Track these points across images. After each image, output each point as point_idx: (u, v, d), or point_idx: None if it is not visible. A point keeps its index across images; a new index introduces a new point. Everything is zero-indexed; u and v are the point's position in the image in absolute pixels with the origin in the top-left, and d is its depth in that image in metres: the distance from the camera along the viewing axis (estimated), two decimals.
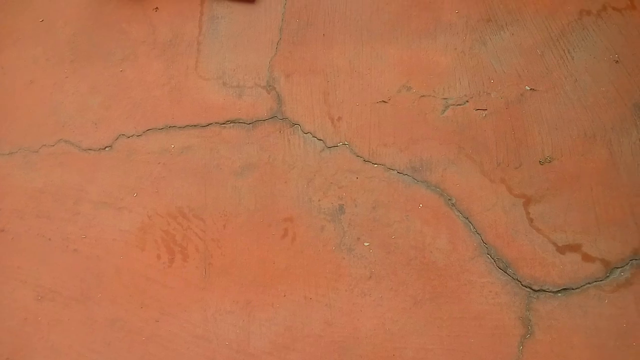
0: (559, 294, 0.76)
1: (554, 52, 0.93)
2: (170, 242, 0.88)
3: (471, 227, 0.81)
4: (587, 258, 0.77)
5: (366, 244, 0.84)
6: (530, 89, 0.89)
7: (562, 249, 0.78)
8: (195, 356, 0.82)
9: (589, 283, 0.76)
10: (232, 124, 0.95)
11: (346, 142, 0.92)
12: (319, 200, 0.88)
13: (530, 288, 0.77)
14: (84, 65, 1.07)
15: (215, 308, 0.83)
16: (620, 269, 0.76)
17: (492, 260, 0.79)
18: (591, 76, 0.90)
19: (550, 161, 0.84)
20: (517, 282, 0.78)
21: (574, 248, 0.78)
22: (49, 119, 1.02)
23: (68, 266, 0.89)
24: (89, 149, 0.97)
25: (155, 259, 0.87)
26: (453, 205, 0.84)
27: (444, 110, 0.91)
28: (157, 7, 1.09)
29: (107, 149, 0.97)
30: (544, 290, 0.77)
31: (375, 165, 0.89)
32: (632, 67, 0.91)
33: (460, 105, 0.91)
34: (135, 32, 1.08)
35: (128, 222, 0.90)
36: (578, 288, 0.76)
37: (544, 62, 0.93)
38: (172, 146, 0.95)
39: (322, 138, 0.92)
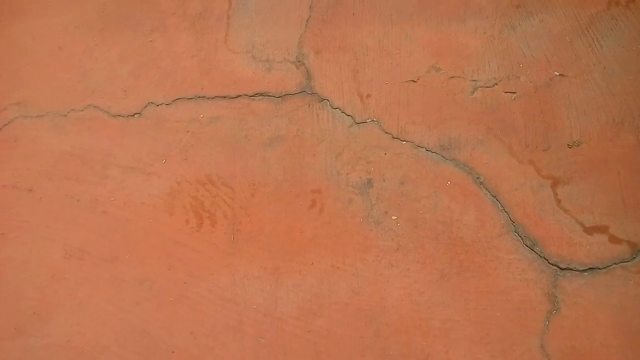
0: (585, 273, 0.77)
1: (583, 40, 0.94)
2: (199, 208, 0.89)
3: (499, 205, 0.82)
4: (613, 239, 0.78)
5: (394, 217, 0.85)
6: (559, 75, 0.90)
7: (589, 230, 0.79)
8: (222, 318, 0.82)
9: (615, 264, 0.77)
10: (261, 97, 0.96)
11: (375, 119, 0.93)
12: (347, 174, 0.89)
13: (557, 266, 0.78)
14: (113, 34, 1.07)
15: (243, 273, 0.84)
16: None
17: (520, 238, 0.80)
18: (619, 64, 0.91)
19: (578, 145, 0.85)
20: (543, 260, 0.79)
21: (600, 229, 0.79)
22: (78, 84, 1.03)
23: (96, 227, 0.90)
24: (118, 115, 0.98)
25: (183, 224, 0.88)
26: (481, 183, 0.85)
27: (473, 92, 0.92)
28: None
29: (136, 115, 0.97)
30: (571, 269, 0.78)
31: (404, 142, 0.90)
32: None
33: (489, 87, 0.92)
34: (165, 4, 1.09)
35: (157, 187, 0.91)
36: (604, 268, 0.77)
37: (573, 49, 0.94)
38: (201, 116, 0.95)
39: (350, 114, 0.93)
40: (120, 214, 0.90)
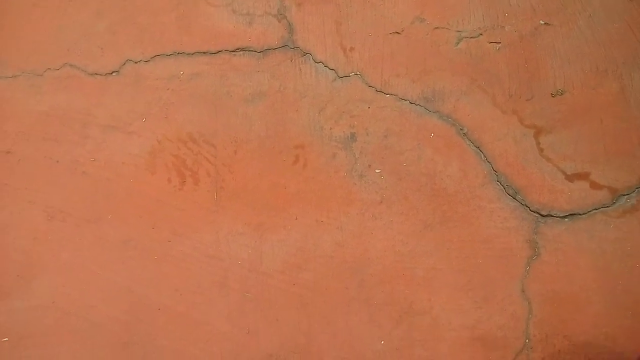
0: (566, 219, 0.78)
1: None
2: (181, 166, 0.88)
3: (482, 155, 0.82)
4: (594, 186, 0.79)
5: (377, 170, 0.85)
6: (545, 24, 0.89)
7: (570, 177, 0.80)
8: (207, 275, 0.83)
9: (595, 209, 0.78)
10: (242, 52, 0.94)
11: (358, 72, 0.91)
12: (331, 129, 0.88)
13: (539, 213, 0.79)
14: None
15: (228, 229, 0.84)
16: (626, 195, 0.77)
17: (502, 187, 0.80)
18: (605, 12, 0.89)
19: (561, 94, 0.84)
20: (525, 207, 0.79)
21: (582, 176, 0.79)
22: (53, 43, 0.99)
23: (77, 188, 0.89)
24: (96, 74, 0.95)
25: (165, 182, 0.87)
26: (464, 135, 0.84)
27: (458, 43, 0.91)
28: None
29: (114, 74, 0.95)
30: (552, 216, 0.78)
31: (388, 95, 0.89)
32: None
33: (473, 37, 0.91)
34: None
35: (138, 146, 0.90)
36: (585, 214, 0.78)
37: None
38: (181, 72, 0.93)
39: (334, 68, 0.92)
40: (101, 174, 0.89)
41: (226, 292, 0.82)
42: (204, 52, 0.95)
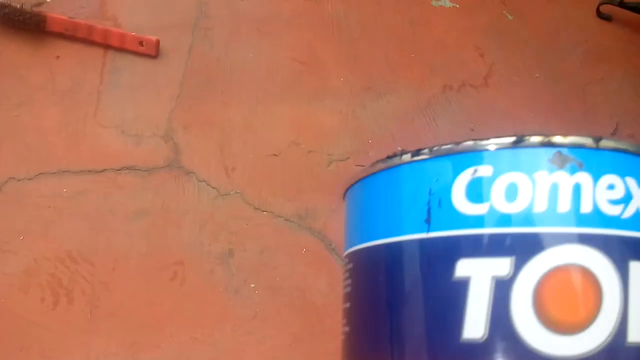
0: None
1: (422, 119, 1.09)
2: (56, 285, 0.88)
3: None
4: None
5: (252, 285, 0.90)
6: (401, 150, 1.03)
7: None
8: None
9: None
10: (127, 171, 0.98)
11: (238, 191, 0.99)
12: (210, 245, 0.93)
13: None
14: None
15: (100, 350, 0.84)
16: None
17: None
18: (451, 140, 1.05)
19: None
20: None
21: None
22: None
23: None
24: None
25: (38, 302, 0.87)
26: (333, 249, 0.93)
27: (329, 165, 1.02)
28: (58, 56, 1.11)
29: None
30: None
31: (265, 213, 0.97)
32: (484, 135, 1.08)
33: (342, 160, 1.03)
34: (34, 78, 1.09)
35: (12, 265, 0.89)
36: None
37: (414, 127, 1.07)
38: (65, 190, 0.96)
39: (215, 186, 0.99)
40: None
41: None
42: (90, 171, 0.98)
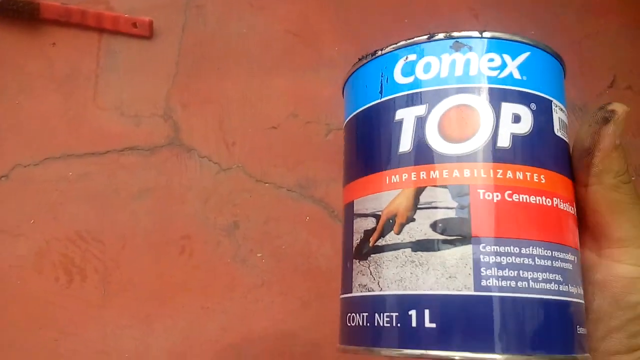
0: None
1: None
2: (69, 264, 0.91)
3: None
4: None
5: (259, 254, 0.92)
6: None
7: None
8: None
9: None
10: (130, 151, 1.00)
11: (240, 165, 1.00)
12: (215, 218, 0.95)
13: None
14: None
15: (115, 324, 0.87)
16: None
17: None
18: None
19: None
20: None
21: None
22: None
23: None
24: None
25: (53, 282, 0.89)
26: (335, 216, 0.94)
27: (327, 134, 1.03)
28: (54, 42, 1.12)
29: (2, 179, 0.98)
30: None
31: (267, 184, 0.98)
32: None
33: (340, 129, 1.03)
34: (32, 66, 1.11)
35: (25, 248, 0.92)
36: None
37: None
38: (70, 173, 0.98)
39: (217, 161, 1.00)
40: None
41: None
42: (93, 153, 1.00)
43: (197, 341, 0.86)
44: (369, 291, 0.29)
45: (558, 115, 0.29)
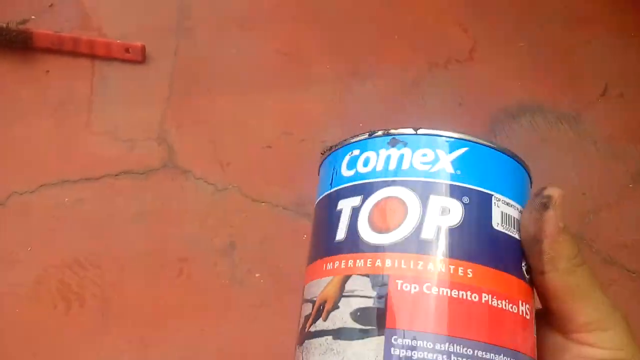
0: None
1: (410, 98, 1.10)
2: (66, 291, 0.91)
3: None
4: None
5: (257, 275, 0.92)
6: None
7: None
8: None
9: None
10: (125, 175, 1.01)
11: (235, 185, 1.01)
12: (212, 239, 0.95)
13: None
14: None
15: (111, 349, 0.86)
16: None
17: None
18: (441, 117, 1.06)
19: None
20: None
21: None
22: None
23: None
24: None
25: (51, 309, 0.89)
26: None
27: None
28: (48, 70, 1.14)
29: None
30: None
31: (262, 204, 0.98)
32: (473, 108, 1.09)
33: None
34: (26, 93, 1.12)
35: (22, 275, 0.92)
36: None
37: (403, 106, 1.09)
38: (66, 199, 0.98)
39: (213, 182, 1.01)
40: None
41: None
42: (88, 179, 1.01)
43: None
44: None
45: (500, 209, 0.28)
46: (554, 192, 0.28)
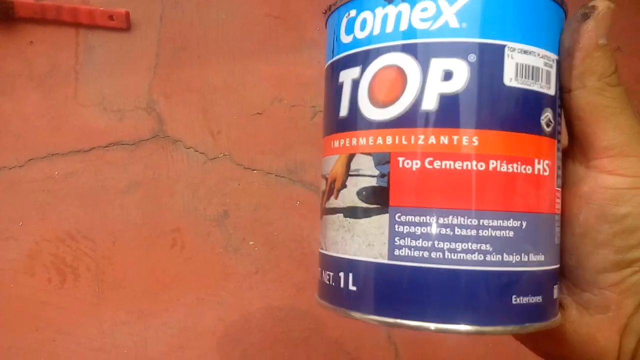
0: None
1: None
2: (61, 264, 0.90)
3: None
4: None
5: (251, 242, 0.91)
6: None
7: None
8: None
9: None
10: (115, 146, 0.99)
11: (227, 153, 0.99)
12: (204, 209, 0.94)
13: None
14: None
15: (111, 321, 0.86)
16: None
17: None
18: None
19: None
20: None
21: None
22: None
23: None
24: None
25: (46, 283, 0.89)
26: None
27: (313, 117, 1.02)
28: (31, 41, 1.10)
29: None
30: None
31: (255, 172, 0.97)
32: None
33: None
34: (11, 66, 1.09)
35: (15, 250, 0.91)
36: None
37: None
38: (56, 173, 0.97)
39: (203, 151, 0.99)
40: None
41: None
42: (78, 151, 0.99)
43: (195, 332, 0.86)
44: (320, 249, 0.32)
45: (515, 60, 0.25)
46: (599, 3, 0.25)
